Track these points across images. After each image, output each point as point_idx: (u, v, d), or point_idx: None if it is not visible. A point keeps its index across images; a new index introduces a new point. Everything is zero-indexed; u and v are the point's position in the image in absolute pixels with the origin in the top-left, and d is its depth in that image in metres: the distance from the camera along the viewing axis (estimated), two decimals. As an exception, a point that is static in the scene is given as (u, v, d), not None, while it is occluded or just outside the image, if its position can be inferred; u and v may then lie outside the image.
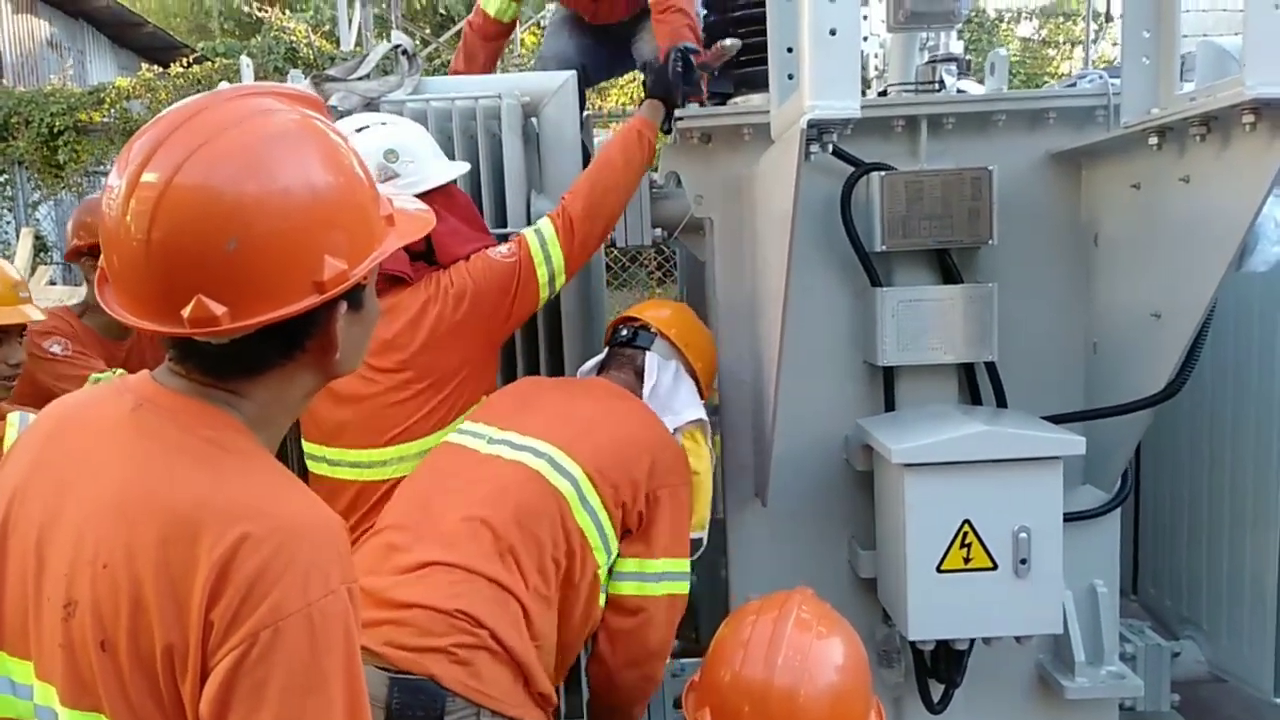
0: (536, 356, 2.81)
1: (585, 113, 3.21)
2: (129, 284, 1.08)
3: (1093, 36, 9.96)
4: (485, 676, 1.77)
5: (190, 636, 1.00)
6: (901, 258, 2.61)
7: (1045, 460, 2.28)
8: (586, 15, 3.72)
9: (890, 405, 2.66)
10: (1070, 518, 2.40)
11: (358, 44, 10.98)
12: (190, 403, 1.12)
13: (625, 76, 6.78)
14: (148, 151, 1.04)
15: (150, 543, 1.02)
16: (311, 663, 1.01)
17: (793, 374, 2.39)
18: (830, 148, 1.91)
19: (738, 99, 2.95)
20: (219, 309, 1.04)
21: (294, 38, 9.22)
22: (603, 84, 6.85)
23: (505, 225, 2.71)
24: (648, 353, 2.40)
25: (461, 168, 2.49)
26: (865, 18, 3.77)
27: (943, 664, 2.58)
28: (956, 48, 3.49)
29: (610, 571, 2.06)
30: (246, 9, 11.86)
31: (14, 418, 2.22)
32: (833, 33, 1.74)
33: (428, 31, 13.77)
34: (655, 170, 2.94)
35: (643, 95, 2.68)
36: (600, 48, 3.78)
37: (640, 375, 2.37)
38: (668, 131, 2.66)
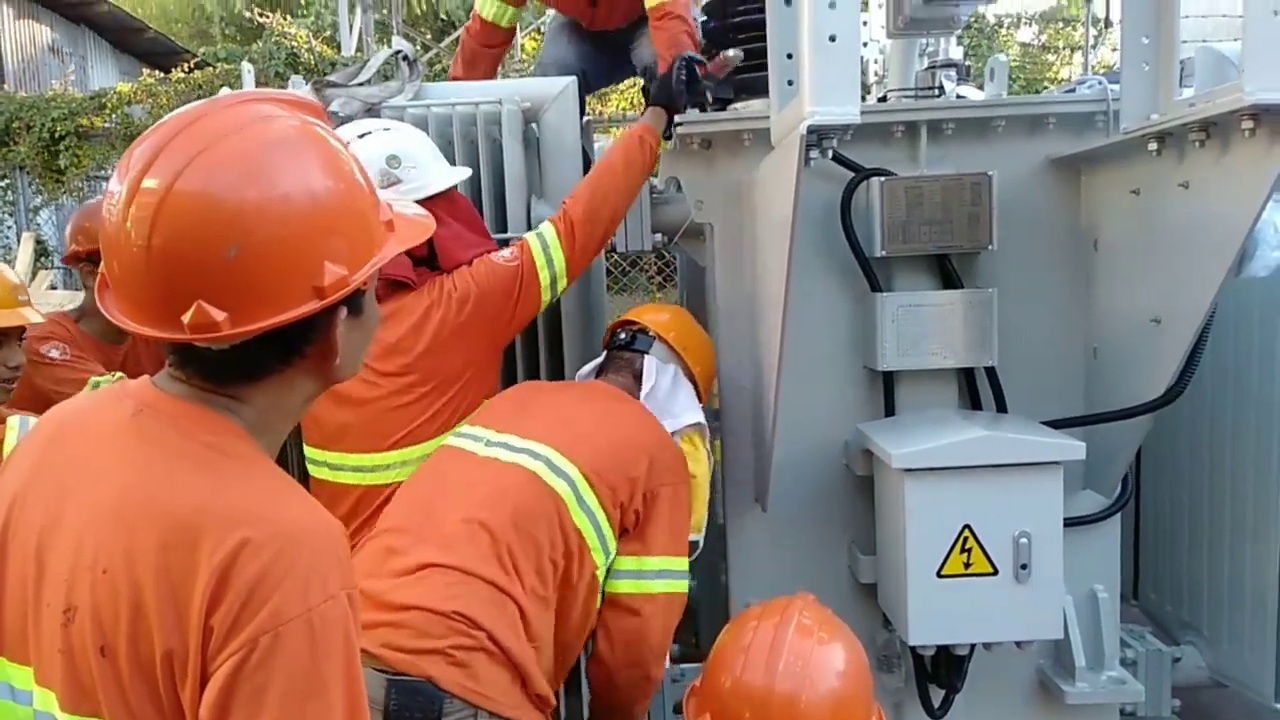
0: (536, 359, 2.81)
1: (585, 118, 3.22)
2: (129, 290, 1.08)
3: (1092, 42, 9.95)
4: (483, 678, 1.77)
5: (190, 642, 1.00)
6: (901, 263, 2.61)
7: (1045, 465, 2.28)
8: (584, 22, 3.72)
9: (890, 410, 2.66)
10: (1071, 523, 2.40)
11: (358, 49, 11.02)
12: (190, 408, 1.12)
13: (625, 82, 6.79)
14: (148, 158, 1.05)
15: (150, 548, 1.02)
16: (311, 668, 1.01)
17: (793, 379, 2.39)
18: (830, 153, 1.92)
19: (738, 104, 2.95)
20: (219, 315, 1.04)
21: (295, 43, 9.25)
22: (603, 89, 6.86)
23: (506, 230, 2.72)
24: (646, 356, 2.40)
25: (463, 173, 2.50)
26: (865, 24, 3.78)
27: (943, 669, 2.58)
28: (956, 53, 3.51)
29: (608, 571, 2.06)
30: (248, 14, 11.90)
31: (14, 421, 2.21)
32: (832, 39, 1.74)
33: (428, 37, 13.79)
34: (656, 175, 2.94)
35: (642, 101, 2.68)
36: (599, 54, 3.78)
37: (638, 378, 2.37)
38: (669, 138, 2.67)
